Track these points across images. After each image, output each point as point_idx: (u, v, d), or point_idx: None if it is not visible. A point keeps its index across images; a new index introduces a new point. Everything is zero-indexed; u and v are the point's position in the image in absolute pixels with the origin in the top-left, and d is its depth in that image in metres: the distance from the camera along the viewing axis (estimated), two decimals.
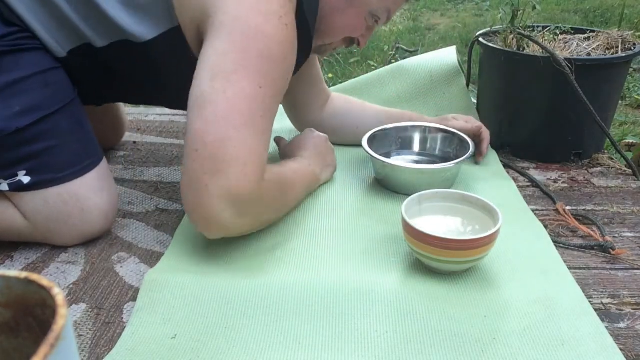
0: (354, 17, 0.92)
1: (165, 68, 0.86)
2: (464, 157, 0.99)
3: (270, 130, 0.78)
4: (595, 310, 0.70)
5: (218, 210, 0.72)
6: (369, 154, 1.01)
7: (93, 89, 0.92)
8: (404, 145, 1.13)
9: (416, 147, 1.13)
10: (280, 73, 0.78)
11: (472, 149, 1.02)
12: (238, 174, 0.71)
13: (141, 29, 0.80)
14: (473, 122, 1.13)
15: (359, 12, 0.92)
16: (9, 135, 0.76)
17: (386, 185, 1.02)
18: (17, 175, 0.79)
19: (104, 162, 0.87)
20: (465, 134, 1.09)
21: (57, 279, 0.78)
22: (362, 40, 0.98)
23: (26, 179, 0.79)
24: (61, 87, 0.83)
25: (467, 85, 1.33)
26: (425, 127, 1.12)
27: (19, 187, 0.79)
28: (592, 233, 0.87)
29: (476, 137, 1.11)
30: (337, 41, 0.97)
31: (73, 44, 0.83)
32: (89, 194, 0.83)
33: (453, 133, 1.09)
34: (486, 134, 1.12)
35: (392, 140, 1.12)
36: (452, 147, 1.09)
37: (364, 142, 1.04)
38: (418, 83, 1.33)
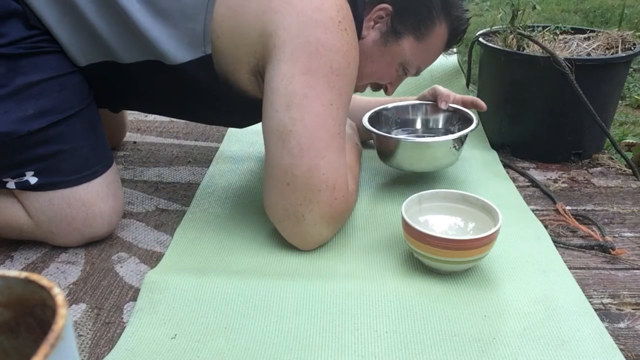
0: (385, 66, 0.93)
1: (189, 89, 0.86)
2: (468, 129, 0.97)
3: (345, 141, 0.81)
4: (595, 310, 0.70)
5: (317, 234, 0.80)
6: (368, 130, 0.99)
7: (109, 96, 0.92)
8: (405, 124, 1.10)
9: (419, 125, 1.10)
10: (347, 81, 0.78)
11: (475, 122, 0.99)
12: (329, 198, 0.77)
13: (175, 51, 0.80)
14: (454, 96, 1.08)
15: (392, 62, 0.93)
16: (20, 137, 0.76)
17: (390, 163, 1.01)
18: (24, 175, 0.79)
19: (112, 168, 0.87)
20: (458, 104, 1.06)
21: (57, 279, 0.78)
22: (390, 88, 0.98)
23: (33, 180, 0.79)
24: (77, 91, 0.83)
25: (467, 85, 1.33)
26: (426, 105, 1.09)
27: (25, 187, 0.80)
28: (592, 233, 0.87)
29: (466, 104, 1.07)
30: (361, 85, 0.97)
31: (96, 59, 0.83)
32: (94, 200, 0.83)
33: (455, 109, 1.06)
34: (471, 97, 1.08)
35: (392, 120, 1.10)
36: (455, 123, 1.07)
37: (365, 121, 1.02)
38: (418, 83, 1.33)
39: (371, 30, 0.90)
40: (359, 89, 0.98)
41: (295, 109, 0.74)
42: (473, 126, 0.98)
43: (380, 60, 0.92)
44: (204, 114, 1.00)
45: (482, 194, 0.84)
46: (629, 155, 1.21)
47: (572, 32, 1.22)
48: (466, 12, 0.94)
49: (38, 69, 0.78)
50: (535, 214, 0.94)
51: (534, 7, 1.15)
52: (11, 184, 0.79)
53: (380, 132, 0.99)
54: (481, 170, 1.10)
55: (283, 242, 0.83)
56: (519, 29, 1.15)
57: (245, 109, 0.89)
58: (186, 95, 0.89)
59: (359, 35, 0.85)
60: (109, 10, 0.79)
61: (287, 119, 0.75)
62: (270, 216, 0.81)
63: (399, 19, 0.89)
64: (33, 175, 0.79)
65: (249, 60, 0.80)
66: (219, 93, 0.86)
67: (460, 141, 0.98)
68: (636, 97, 1.92)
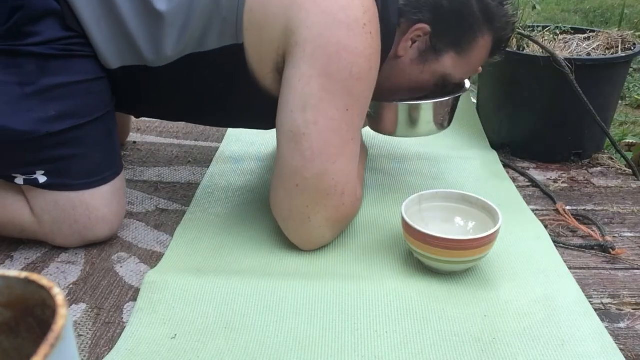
0: (423, 82, 0.90)
1: (217, 83, 0.85)
2: (461, 91, 0.96)
3: (359, 147, 0.81)
4: (595, 310, 0.70)
5: (320, 236, 0.80)
6: None
7: (135, 101, 0.91)
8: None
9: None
10: (366, 87, 0.77)
11: (467, 85, 0.98)
12: (337, 203, 0.78)
13: (203, 39, 0.78)
14: None
15: (431, 78, 0.89)
16: (37, 138, 0.76)
17: (384, 131, 0.99)
18: (34, 174, 0.79)
19: (121, 175, 0.86)
20: None
21: (57, 279, 0.78)
22: (432, 95, 0.95)
23: (42, 179, 0.79)
24: (101, 98, 0.82)
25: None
26: None
27: (33, 184, 0.80)
28: (592, 233, 0.87)
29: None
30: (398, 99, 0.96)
31: (129, 62, 0.81)
32: (99, 205, 0.82)
33: None
34: None
35: None
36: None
37: None
38: None
39: (409, 50, 0.86)
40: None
41: (311, 111, 0.74)
42: (465, 88, 0.97)
43: (418, 77, 0.89)
44: (233, 117, 0.97)
45: (482, 194, 0.84)
46: (629, 155, 1.21)
47: (572, 32, 1.22)
48: (512, 17, 0.88)
49: (68, 72, 0.78)
50: (535, 214, 0.94)
51: (534, 7, 1.15)
52: (19, 180, 0.79)
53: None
54: (481, 170, 1.10)
55: (283, 242, 0.83)
56: (519, 29, 1.15)
57: (274, 109, 0.85)
58: (216, 99, 0.87)
59: (390, 46, 0.83)
60: (144, 10, 0.77)
61: (301, 120, 0.74)
62: (275, 214, 0.81)
63: (438, 37, 0.85)
64: (43, 175, 0.79)
65: (272, 57, 0.79)
66: (248, 91, 0.84)
67: (454, 103, 0.96)
68: (636, 97, 1.92)
